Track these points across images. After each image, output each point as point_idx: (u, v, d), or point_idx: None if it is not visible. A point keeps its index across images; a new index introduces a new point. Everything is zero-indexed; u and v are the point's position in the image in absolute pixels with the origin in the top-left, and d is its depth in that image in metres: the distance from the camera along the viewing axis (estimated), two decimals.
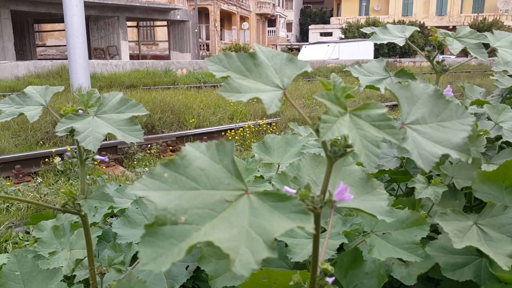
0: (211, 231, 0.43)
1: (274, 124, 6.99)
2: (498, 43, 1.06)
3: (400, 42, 1.04)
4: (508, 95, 1.50)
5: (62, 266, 1.21)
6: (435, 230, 1.03)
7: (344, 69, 1.06)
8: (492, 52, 1.06)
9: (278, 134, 1.35)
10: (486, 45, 1.04)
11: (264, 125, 6.75)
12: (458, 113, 0.64)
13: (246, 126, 6.59)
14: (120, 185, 1.53)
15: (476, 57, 0.98)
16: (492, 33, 1.08)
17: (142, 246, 0.42)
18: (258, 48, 0.62)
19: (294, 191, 0.59)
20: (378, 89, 0.98)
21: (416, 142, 0.58)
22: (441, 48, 0.99)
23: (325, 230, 0.94)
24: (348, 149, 0.56)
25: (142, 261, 0.41)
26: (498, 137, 1.25)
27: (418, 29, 1.10)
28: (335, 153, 0.56)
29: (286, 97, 0.60)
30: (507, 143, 1.24)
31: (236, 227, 0.43)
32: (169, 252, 0.41)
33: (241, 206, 0.46)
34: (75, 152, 0.88)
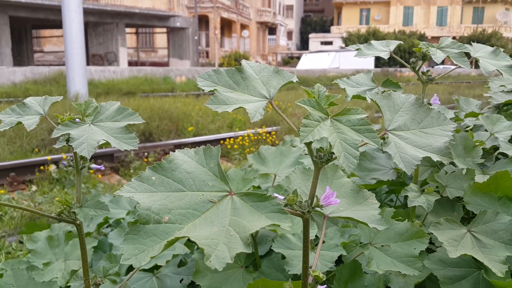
0: (193, 229, 0.46)
1: (273, 132, 6.99)
2: (478, 54, 1.09)
3: (385, 55, 1.07)
4: (504, 107, 1.52)
5: (57, 277, 1.20)
6: (431, 242, 1.03)
7: (333, 82, 1.09)
8: (475, 63, 1.10)
9: (277, 143, 1.35)
10: (469, 56, 1.08)
11: (264, 134, 6.75)
12: (439, 120, 0.68)
13: (245, 134, 6.59)
14: (114, 196, 1.53)
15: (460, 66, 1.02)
16: (471, 45, 1.12)
17: (125, 242, 0.44)
18: (245, 63, 0.66)
19: (283, 197, 0.61)
20: (364, 98, 1.00)
21: (398, 147, 0.62)
22: (425, 58, 1.02)
23: (323, 242, 0.94)
24: (334, 155, 0.57)
25: (124, 256, 0.43)
26: (495, 148, 1.26)
27: (402, 42, 1.14)
28: (320, 158, 0.58)
29: (272, 105, 0.63)
30: (502, 153, 1.25)
31: (217, 226, 0.46)
32: (151, 249, 0.44)
33: (224, 206, 0.49)
34: (71, 161, 0.88)
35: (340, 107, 0.60)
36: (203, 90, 0.62)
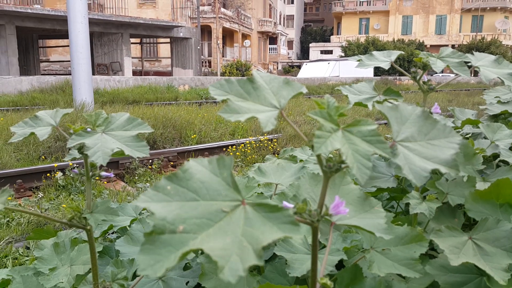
0: (207, 239, 0.46)
1: (275, 140, 7.01)
2: (480, 63, 1.10)
3: (386, 65, 1.08)
4: (501, 115, 1.54)
5: (62, 282, 1.22)
6: (434, 248, 1.04)
7: (336, 88, 1.11)
8: (474, 71, 1.11)
9: (279, 150, 1.36)
10: (469, 66, 1.09)
11: (265, 141, 6.78)
12: (445, 132, 0.68)
13: (247, 142, 6.61)
14: (119, 204, 1.56)
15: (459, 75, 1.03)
16: (472, 54, 1.13)
17: (141, 253, 0.44)
18: (256, 74, 0.68)
19: (292, 205, 0.62)
20: (365, 106, 1.02)
21: (406, 158, 0.62)
22: (425, 68, 1.03)
23: (324, 247, 0.96)
24: (343, 165, 0.59)
25: (140, 267, 0.43)
26: (495, 155, 1.28)
27: (403, 53, 1.15)
28: (330, 168, 0.59)
29: (283, 116, 0.64)
30: (503, 161, 1.26)
31: (230, 236, 0.46)
32: (166, 259, 0.44)
33: (237, 216, 0.49)
34: (82, 168, 0.91)
35: (349, 117, 0.62)
36: (206, 99, 0.64)
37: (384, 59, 1.11)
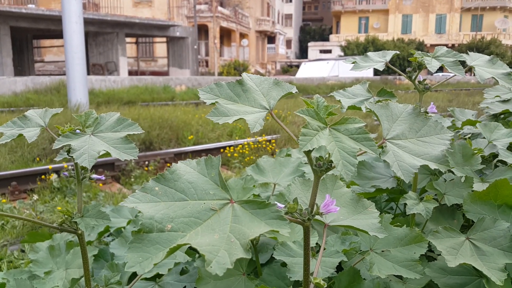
0: (195, 237, 0.47)
1: (273, 141, 7.00)
2: (474, 62, 1.10)
3: (380, 66, 1.08)
4: (501, 115, 1.53)
5: (58, 286, 1.20)
6: (432, 249, 1.03)
7: (329, 94, 1.10)
8: (470, 71, 1.11)
9: (277, 151, 1.36)
10: (465, 65, 1.09)
11: (264, 142, 6.76)
12: (437, 129, 0.70)
13: (245, 143, 6.60)
14: (115, 206, 1.55)
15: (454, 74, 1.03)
16: (468, 53, 1.14)
17: (129, 251, 0.46)
18: (246, 76, 0.68)
19: (283, 206, 0.62)
20: (359, 108, 1.02)
21: (396, 155, 0.63)
22: (421, 68, 1.03)
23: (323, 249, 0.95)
24: (333, 164, 0.58)
25: (128, 264, 0.44)
26: (494, 155, 1.27)
27: (398, 52, 1.14)
28: (320, 167, 0.60)
29: (272, 116, 0.65)
30: (501, 161, 1.26)
31: (218, 233, 0.47)
32: (154, 256, 0.45)
33: (225, 214, 0.50)
34: (72, 171, 0.89)
35: (340, 117, 0.61)
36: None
37: (379, 60, 1.10)
